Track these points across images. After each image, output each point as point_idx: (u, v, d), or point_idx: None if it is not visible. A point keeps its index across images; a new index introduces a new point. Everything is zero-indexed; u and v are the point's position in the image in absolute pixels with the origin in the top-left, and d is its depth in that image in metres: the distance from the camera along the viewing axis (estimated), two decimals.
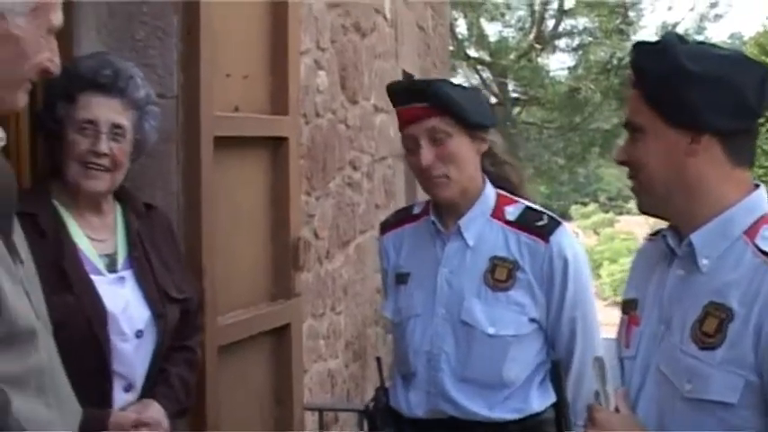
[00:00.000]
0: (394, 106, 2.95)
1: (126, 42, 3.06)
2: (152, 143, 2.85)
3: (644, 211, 2.19)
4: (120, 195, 2.84)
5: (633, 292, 2.27)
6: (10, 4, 1.91)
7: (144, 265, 2.77)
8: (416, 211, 3.10)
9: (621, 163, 2.17)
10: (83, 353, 2.52)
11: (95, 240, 2.74)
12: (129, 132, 2.74)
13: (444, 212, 2.98)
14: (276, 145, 3.56)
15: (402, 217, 3.14)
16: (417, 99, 2.85)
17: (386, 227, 3.17)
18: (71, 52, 3.02)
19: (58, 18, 2.00)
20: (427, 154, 2.84)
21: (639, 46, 2.15)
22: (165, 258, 2.84)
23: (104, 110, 2.70)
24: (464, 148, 2.87)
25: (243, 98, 3.37)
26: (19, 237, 2.08)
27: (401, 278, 3.03)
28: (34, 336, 1.90)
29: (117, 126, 2.71)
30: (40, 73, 2.00)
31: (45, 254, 2.55)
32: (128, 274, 2.74)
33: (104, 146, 2.68)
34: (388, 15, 6.56)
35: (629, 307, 2.27)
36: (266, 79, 3.52)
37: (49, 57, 1.99)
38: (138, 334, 2.68)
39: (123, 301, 2.67)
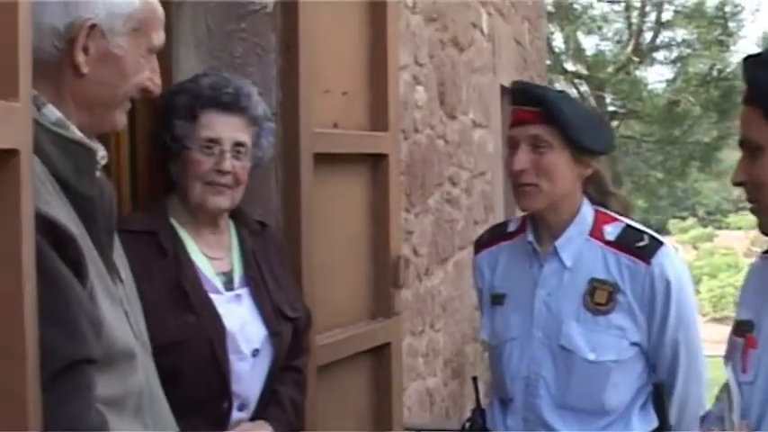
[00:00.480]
0: (510, 104, 2.88)
1: (224, 60, 3.05)
2: (268, 159, 2.85)
3: (766, 232, 2.07)
4: (234, 213, 2.84)
5: (747, 313, 2.17)
6: (110, 22, 1.89)
7: (259, 283, 2.76)
8: (512, 228, 3.00)
9: (738, 184, 2.06)
10: (202, 372, 2.54)
11: (212, 258, 2.74)
12: (249, 149, 2.75)
13: (541, 231, 2.87)
14: (376, 162, 3.51)
15: (497, 234, 3.05)
16: (531, 102, 2.77)
17: (480, 245, 3.08)
18: (170, 71, 3.02)
19: (159, 38, 1.99)
20: (522, 159, 2.75)
21: (751, 59, 2.04)
22: (278, 276, 2.83)
23: (227, 128, 2.71)
24: (563, 165, 2.77)
25: (342, 114, 3.34)
26: (119, 255, 2.07)
27: (497, 299, 2.94)
28: (133, 357, 1.88)
29: (239, 144, 2.72)
30: (140, 93, 1.99)
31: (165, 273, 2.60)
32: (244, 292, 2.74)
33: (228, 164, 2.69)
34: (486, 30, 6.49)
35: (743, 329, 2.16)
36: (365, 95, 3.48)
37: (149, 76, 1.98)
38: (255, 353, 2.67)
39: (240, 320, 2.67)
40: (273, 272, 2.82)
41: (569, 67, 22.74)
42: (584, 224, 2.83)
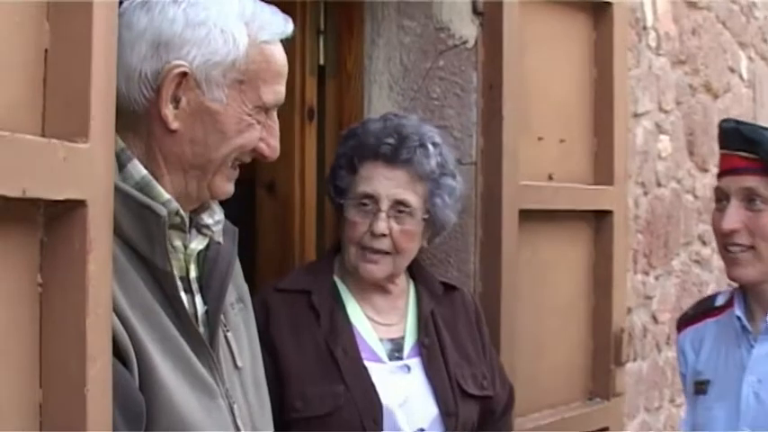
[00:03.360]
0: (719, 148, 2.42)
1: (420, 101, 2.75)
2: (452, 219, 2.47)
3: None
4: (415, 272, 2.51)
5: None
6: (206, 71, 1.59)
7: (435, 352, 2.42)
8: (720, 302, 2.57)
9: None
10: None
11: (379, 324, 2.43)
12: (417, 211, 2.38)
13: (752, 304, 2.44)
14: (598, 219, 3.16)
15: (703, 309, 2.61)
16: (746, 147, 2.32)
17: (684, 322, 2.65)
18: (361, 113, 2.74)
19: (273, 93, 1.66)
20: (733, 216, 2.32)
21: None
22: (465, 347, 2.48)
23: (386, 182, 2.36)
24: None
25: (558, 165, 2.97)
26: (248, 325, 1.82)
27: (700, 387, 2.52)
28: None
29: (400, 203, 2.36)
30: (249, 156, 1.68)
31: (316, 336, 2.36)
32: (414, 362, 2.41)
33: (382, 225, 2.34)
34: (745, 75, 5.91)
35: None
36: (587, 143, 3.12)
37: (260, 137, 1.66)
38: None
39: (404, 394, 2.36)
40: (458, 341, 2.47)
41: None
42: None
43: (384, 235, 2.34)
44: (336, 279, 2.43)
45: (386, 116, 2.51)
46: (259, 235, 2.88)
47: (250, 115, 1.63)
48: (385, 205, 2.34)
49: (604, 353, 3.13)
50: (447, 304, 2.50)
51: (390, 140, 2.36)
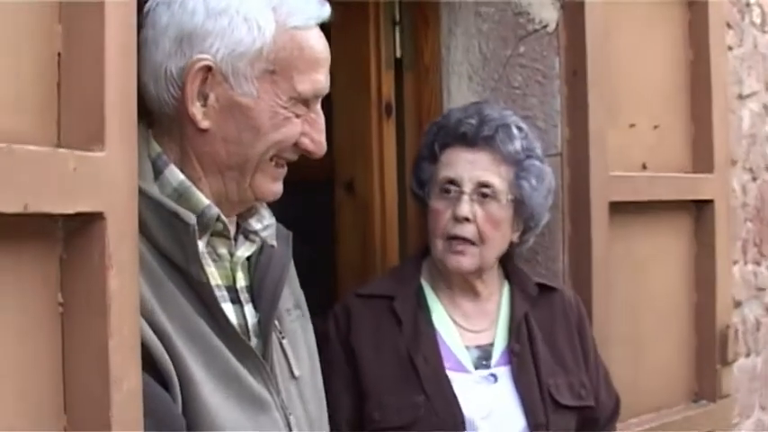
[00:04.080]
0: None
1: (501, 91, 2.60)
2: (542, 210, 2.31)
3: None
4: (510, 273, 2.36)
5: None
6: (231, 64, 1.47)
7: (526, 360, 2.26)
8: None
9: None
10: None
11: (466, 330, 2.29)
12: (502, 194, 2.23)
13: None
14: (698, 210, 2.99)
15: None
16: None
17: None
18: (440, 106, 2.61)
19: (311, 82, 1.53)
20: None
21: None
22: (561, 353, 2.31)
23: (468, 166, 2.23)
24: None
25: (653, 153, 2.79)
26: (306, 333, 1.73)
27: None
28: None
29: (484, 185, 2.22)
30: (293, 153, 1.56)
31: (397, 344, 2.23)
32: (503, 371, 2.25)
33: (465, 208, 2.20)
34: None
35: None
36: (685, 129, 2.94)
37: (302, 131, 1.53)
38: None
39: (489, 406, 2.21)
40: (555, 347, 2.30)
41: None
42: None
43: (468, 219, 2.20)
44: (423, 282, 2.31)
45: (467, 105, 2.39)
46: (339, 238, 2.77)
47: (286, 108, 1.51)
48: (468, 188, 2.21)
49: (709, 352, 2.96)
50: (544, 307, 2.33)
51: (471, 120, 2.24)
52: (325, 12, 1.56)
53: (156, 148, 1.51)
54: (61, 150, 1.13)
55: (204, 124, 1.48)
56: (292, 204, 2.88)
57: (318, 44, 1.54)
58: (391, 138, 2.73)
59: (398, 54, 2.72)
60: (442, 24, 2.66)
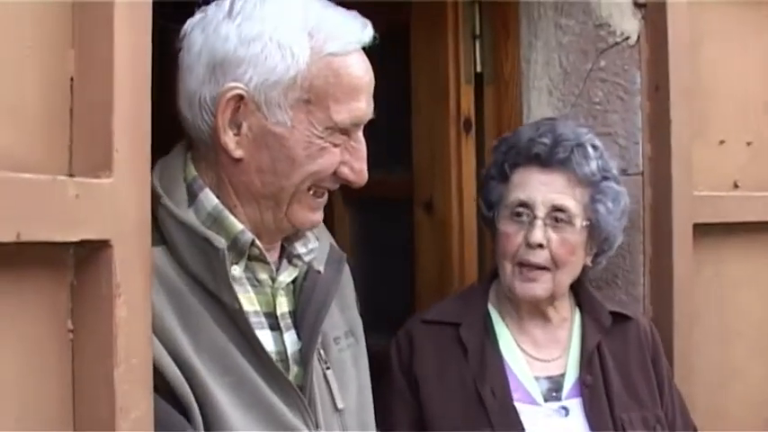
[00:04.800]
0: None
1: (581, 107, 2.50)
2: (617, 232, 2.20)
3: None
4: (581, 299, 2.24)
5: None
6: (264, 92, 1.43)
7: (598, 393, 2.13)
8: None
9: None
10: None
11: (536, 359, 2.18)
12: (576, 218, 2.12)
13: None
14: None
15: None
16: None
17: None
18: (520, 122, 2.53)
19: (348, 112, 1.47)
20: None
21: None
22: (636, 386, 2.18)
23: (542, 188, 2.12)
24: None
25: (745, 171, 2.64)
26: (358, 363, 1.68)
27: None
28: None
29: (558, 209, 2.11)
30: (333, 183, 1.51)
31: (463, 374, 2.13)
32: (574, 403, 2.13)
33: (539, 234, 2.10)
34: None
35: None
36: None
37: (341, 161, 1.48)
38: None
39: None
40: (628, 380, 2.17)
41: None
42: None
43: (541, 246, 2.10)
44: (491, 308, 2.21)
45: (539, 121, 2.29)
46: (418, 259, 2.71)
47: (322, 138, 1.46)
48: (541, 212, 2.11)
49: None
50: (618, 337, 2.21)
51: (545, 140, 2.13)
52: (367, 35, 1.50)
53: (193, 171, 1.48)
54: (60, 178, 1.11)
55: (237, 154, 1.45)
56: (373, 222, 2.85)
57: (358, 70, 1.48)
58: (470, 155, 2.65)
59: (479, 68, 2.65)
60: (522, 37, 2.57)
